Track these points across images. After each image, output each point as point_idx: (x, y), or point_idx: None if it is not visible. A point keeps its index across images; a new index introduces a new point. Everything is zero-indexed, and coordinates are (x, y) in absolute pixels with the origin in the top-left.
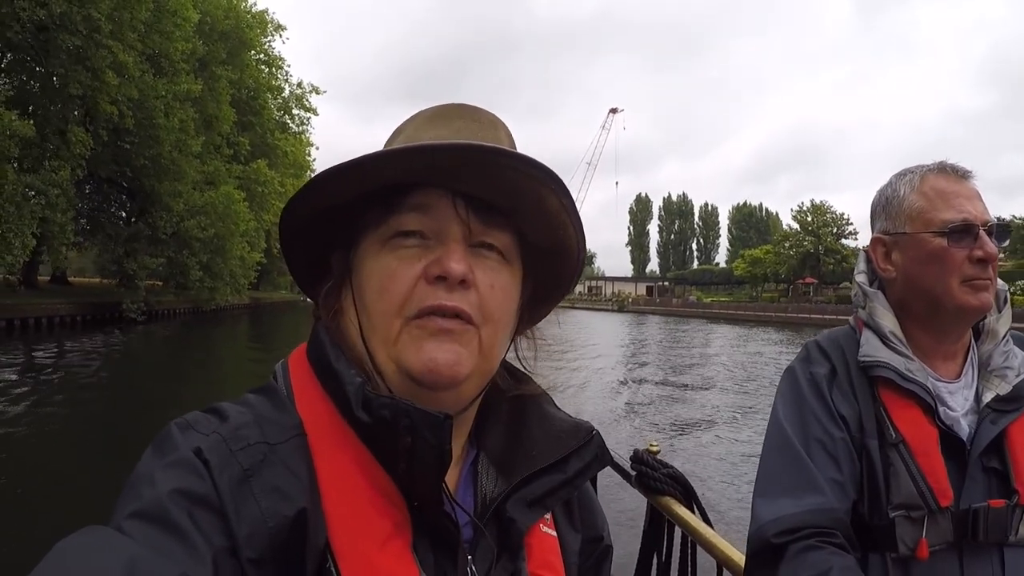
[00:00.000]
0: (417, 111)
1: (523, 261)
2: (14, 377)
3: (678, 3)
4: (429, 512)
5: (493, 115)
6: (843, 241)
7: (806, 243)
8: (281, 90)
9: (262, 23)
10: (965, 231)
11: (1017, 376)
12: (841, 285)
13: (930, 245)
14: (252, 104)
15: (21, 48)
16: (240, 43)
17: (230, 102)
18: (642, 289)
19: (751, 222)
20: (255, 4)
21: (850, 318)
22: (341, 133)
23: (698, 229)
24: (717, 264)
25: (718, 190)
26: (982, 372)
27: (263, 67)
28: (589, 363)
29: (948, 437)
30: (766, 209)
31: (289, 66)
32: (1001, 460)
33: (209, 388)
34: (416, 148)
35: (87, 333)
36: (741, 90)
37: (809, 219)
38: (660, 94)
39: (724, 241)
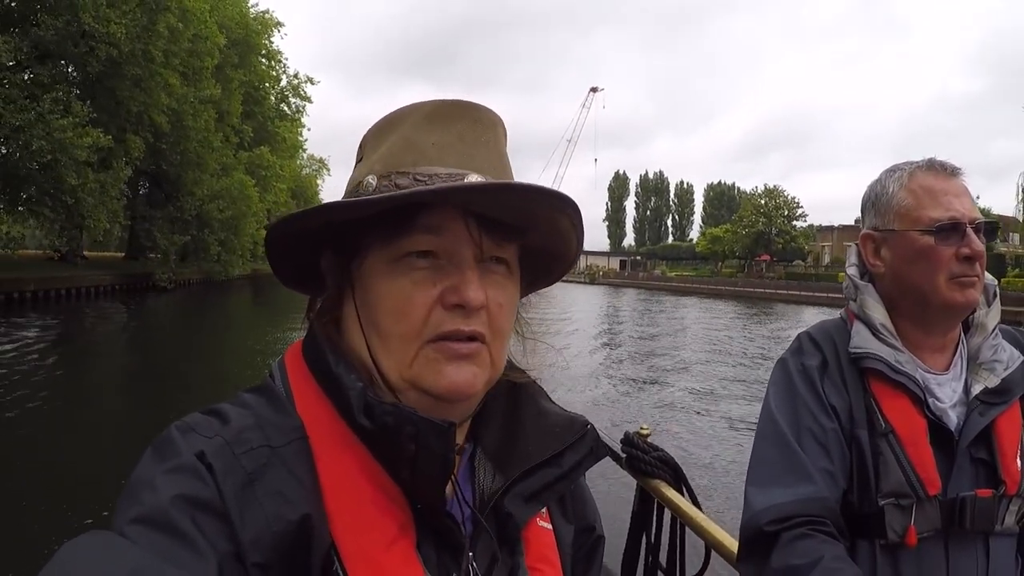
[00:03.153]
0: (412, 103)
1: (521, 263)
2: (90, 329)
3: None
4: (431, 516)
5: (492, 113)
6: (794, 223)
7: (759, 224)
8: (279, 80)
9: (264, 24)
10: (952, 229)
11: (1006, 369)
12: (793, 263)
13: (918, 243)
14: (255, 95)
15: (98, 79)
16: (248, 47)
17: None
18: (615, 263)
19: (723, 200)
20: (257, 4)
21: (840, 310)
22: (335, 104)
23: (673, 206)
24: (690, 240)
25: (709, 166)
26: (971, 365)
27: (263, 60)
28: (569, 337)
29: (937, 428)
30: (738, 188)
31: (286, 59)
32: (989, 451)
33: (230, 337)
34: (446, 189)
35: (132, 297)
36: (735, 66)
37: (763, 202)
38: (654, 69)
39: (698, 218)
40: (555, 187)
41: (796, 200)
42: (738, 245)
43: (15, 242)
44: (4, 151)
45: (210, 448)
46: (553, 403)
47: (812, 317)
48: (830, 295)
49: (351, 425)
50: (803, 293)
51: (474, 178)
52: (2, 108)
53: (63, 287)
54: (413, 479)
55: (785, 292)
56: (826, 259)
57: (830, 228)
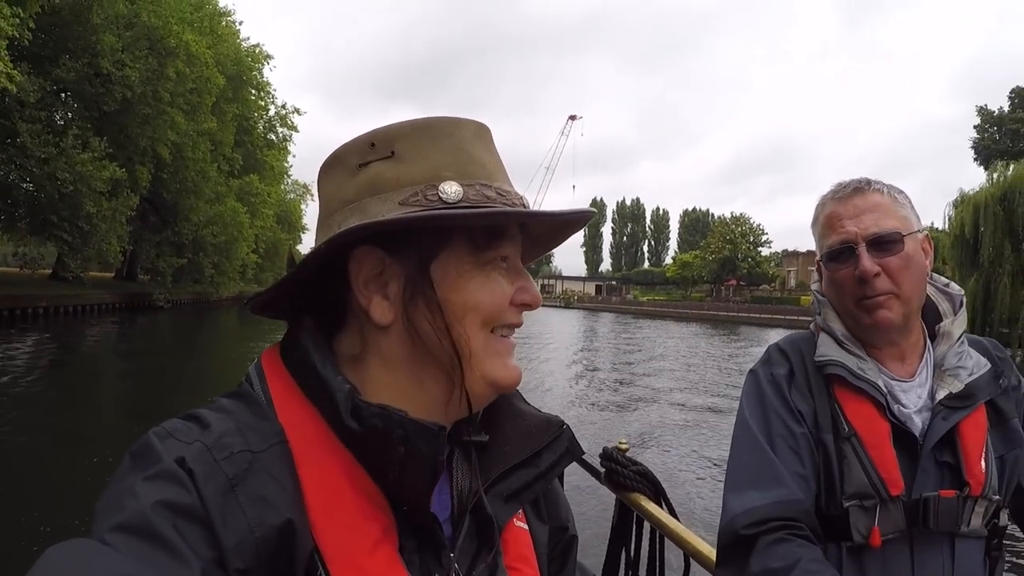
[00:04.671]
0: (445, 116)
1: None
2: (95, 339)
3: (662, 7)
4: (415, 518)
5: None
6: (759, 249)
7: (726, 250)
8: (267, 110)
9: (255, 58)
10: (840, 252)
11: (970, 375)
12: (760, 287)
13: (827, 271)
14: (244, 125)
15: (111, 116)
16: (241, 82)
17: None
18: (591, 287)
19: (698, 227)
20: (248, 38)
21: (811, 323)
22: (320, 125)
23: (649, 232)
24: (666, 266)
25: (694, 190)
26: (936, 371)
27: (253, 91)
28: (546, 354)
29: (901, 432)
30: (712, 214)
31: (275, 90)
32: (953, 454)
33: (223, 349)
34: (552, 214)
35: (133, 315)
36: (720, 91)
37: (728, 229)
38: (640, 93)
39: (674, 244)
40: None
41: (761, 227)
42: (706, 270)
43: (35, 262)
44: (29, 180)
45: (190, 454)
46: (528, 404)
47: (774, 337)
48: (788, 317)
49: (335, 428)
50: (763, 316)
51: (527, 198)
52: (29, 141)
53: (71, 304)
54: (401, 482)
55: (747, 315)
56: (792, 283)
57: (795, 253)
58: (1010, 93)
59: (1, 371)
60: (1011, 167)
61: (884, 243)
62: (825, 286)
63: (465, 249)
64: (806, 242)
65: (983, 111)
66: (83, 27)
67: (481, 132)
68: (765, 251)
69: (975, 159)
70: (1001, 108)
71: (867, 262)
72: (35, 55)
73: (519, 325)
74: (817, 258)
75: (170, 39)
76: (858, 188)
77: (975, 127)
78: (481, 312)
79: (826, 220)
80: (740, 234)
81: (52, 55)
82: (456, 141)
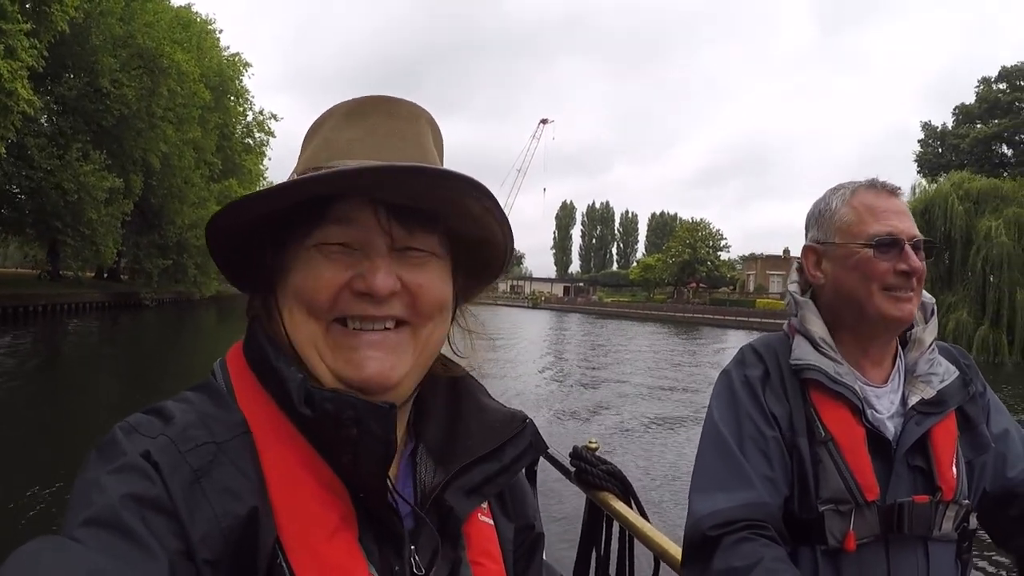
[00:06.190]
0: (336, 103)
1: (453, 250)
2: (93, 331)
3: (641, 9)
4: (373, 504)
5: (413, 106)
6: (718, 253)
7: (685, 254)
8: (245, 115)
9: (235, 67)
10: (891, 244)
11: (941, 382)
12: (720, 289)
13: (857, 255)
14: (224, 131)
15: (108, 130)
16: (223, 92)
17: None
18: (559, 289)
19: (665, 230)
20: (228, 47)
21: (784, 324)
22: (296, 123)
23: (618, 235)
24: (632, 268)
25: (669, 193)
26: (908, 378)
27: (232, 98)
28: (514, 354)
29: (875, 437)
30: (680, 218)
31: (253, 96)
32: (925, 459)
33: (206, 340)
34: (332, 175)
35: (122, 312)
36: (696, 96)
37: (689, 233)
38: (616, 97)
39: (642, 247)
40: (506, 214)
41: (720, 232)
42: (667, 273)
43: (43, 264)
44: (36, 189)
45: (155, 447)
46: (492, 399)
47: (732, 337)
48: (739, 318)
49: (291, 417)
50: (717, 316)
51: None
52: (36, 154)
53: (67, 302)
54: (355, 464)
55: (701, 316)
56: (751, 286)
57: (755, 258)
58: (954, 109)
59: (9, 360)
60: (934, 184)
61: (922, 248)
62: (836, 270)
63: (294, 240)
64: (773, 246)
65: (927, 126)
66: (82, 47)
67: (357, 108)
68: (724, 255)
69: (918, 171)
70: (944, 124)
71: (917, 261)
72: (38, 73)
73: (379, 317)
74: (808, 243)
75: (163, 59)
76: (893, 189)
77: (919, 141)
78: (300, 300)
79: (865, 209)
80: (699, 238)
81: (54, 73)
82: (323, 131)
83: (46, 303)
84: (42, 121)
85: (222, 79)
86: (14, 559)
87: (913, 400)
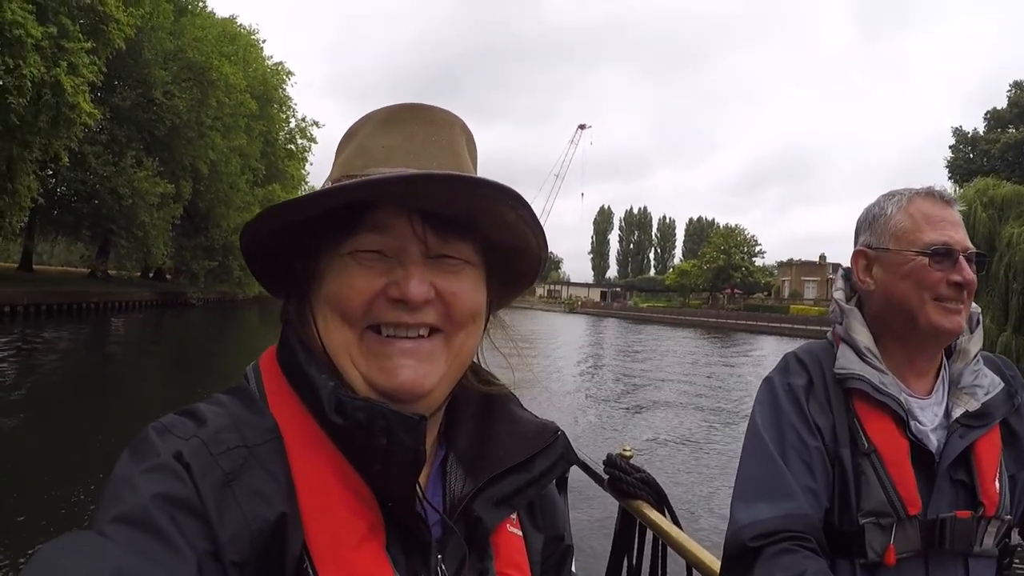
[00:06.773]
0: (372, 110)
1: (487, 258)
2: (147, 327)
3: (681, 14)
4: (401, 512)
5: (448, 114)
6: (753, 259)
7: (720, 260)
8: (288, 122)
9: (278, 75)
10: (946, 254)
11: (986, 394)
12: (755, 295)
13: (911, 262)
14: (267, 137)
15: (160, 139)
16: (268, 100)
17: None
18: (596, 294)
19: (703, 235)
20: (271, 56)
21: (828, 331)
22: (342, 128)
23: (656, 240)
24: (668, 273)
25: (710, 199)
26: (952, 389)
27: (275, 106)
28: (551, 361)
29: (918, 449)
30: (717, 223)
31: (295, 104)
32: (968, 473)
33: (249, 338)
34: (369, 183)
35: (168, 310)
36: (736, 101)
37: (723, 239)
38: (655, 103)
39: (680, 252)
40: (543, 220)
41: (755, 238)
42: (702, 279)
43: (100, 264)
44: (92, 194)
45: (187, 448)
46: (525, 409)
47: (765, 343)
48: (772, 324)
49: (323, 424)
50: (751, 322)
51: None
52: (93, 161)
53: (119, 299)
54: (384, 473)
55: (735, 322)
56: (786, 292)
57: (791, 264)
58: (985, 114)
59: (66, 356)
60: (960, 190)
61: (979, 261)
62: (887, 277)
63: (328, 247)
64: (809, 251)
65: (958, 132)
66: (135, 60)
67: (393, 115)
68: (759, 261)
69: (949, 177)
70: (975, 129)
71: (970, 273)
72: (93, 85)
73: (413, 325)
74: (859, 247)
75: (211, 72)
76: (949, 199)
77: (950, 147)
78: (334, 307)
79: (922, 217)
80: (734, 244)
81: (109, 84)
82: (358, 138)
83: (98, 300)
84: (98, 130)
85: (266, 88)
86: (44, 552)
87: (957, 412)
